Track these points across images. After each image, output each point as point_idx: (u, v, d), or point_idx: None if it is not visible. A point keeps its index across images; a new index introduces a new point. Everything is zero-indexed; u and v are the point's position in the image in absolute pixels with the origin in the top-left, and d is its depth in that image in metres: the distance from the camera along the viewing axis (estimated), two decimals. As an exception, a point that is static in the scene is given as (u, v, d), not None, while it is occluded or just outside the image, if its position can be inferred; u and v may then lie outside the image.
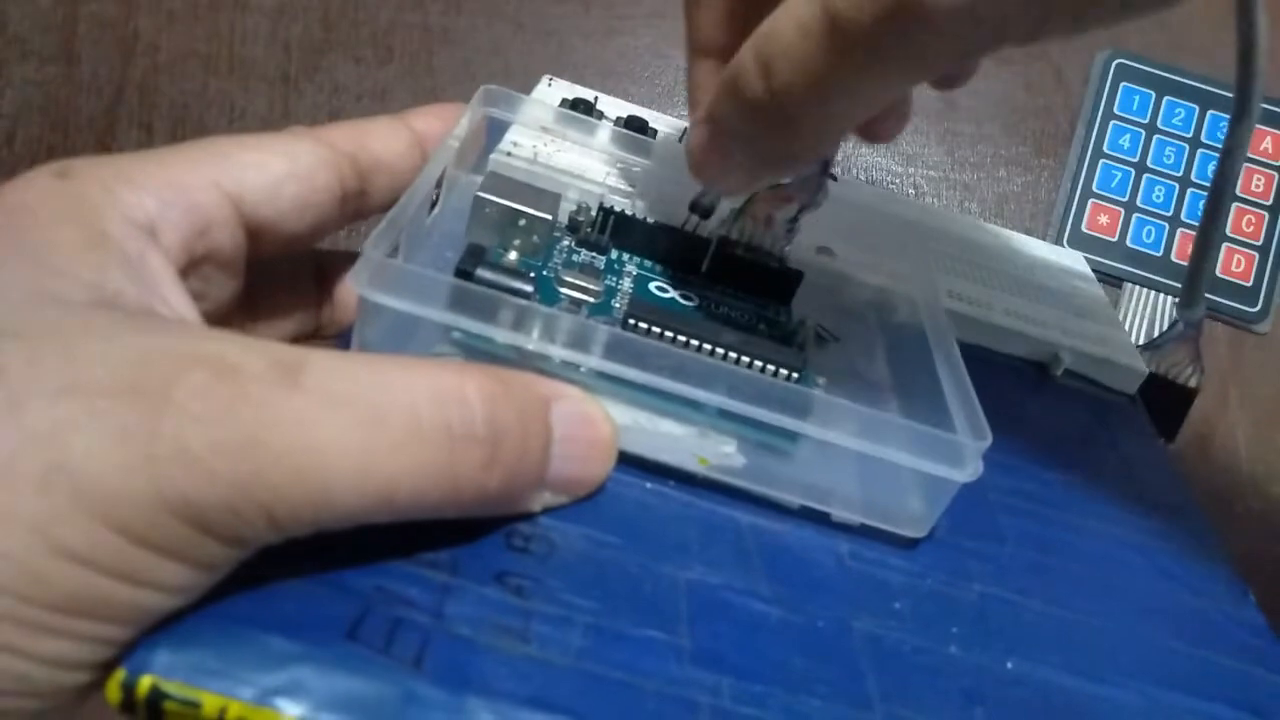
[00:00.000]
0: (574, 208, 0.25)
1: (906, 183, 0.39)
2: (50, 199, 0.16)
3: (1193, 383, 0.32)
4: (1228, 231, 0.38)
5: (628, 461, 0.20)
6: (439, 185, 0.24)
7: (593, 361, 0.19)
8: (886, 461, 0.20)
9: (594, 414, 0.18)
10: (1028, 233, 0.38)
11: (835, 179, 0.34)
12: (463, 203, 0.24)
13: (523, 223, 0.23)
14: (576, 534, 0.18)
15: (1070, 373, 0.30)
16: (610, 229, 0.25)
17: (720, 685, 0.16)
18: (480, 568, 0.17)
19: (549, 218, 0.23)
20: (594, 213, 0.25)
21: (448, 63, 0.40)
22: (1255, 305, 0.38)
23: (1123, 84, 0.39)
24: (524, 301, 0.19)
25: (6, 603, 0.12)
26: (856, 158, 0.39)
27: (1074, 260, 0.35)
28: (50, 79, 0.38)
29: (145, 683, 0.14)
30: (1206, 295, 0.38)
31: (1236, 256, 0.38)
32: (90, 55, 0.39)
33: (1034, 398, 0.28)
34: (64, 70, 0.38)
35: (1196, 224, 0.38)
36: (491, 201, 0.23)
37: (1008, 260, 0.33)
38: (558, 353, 0.19)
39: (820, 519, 0.21)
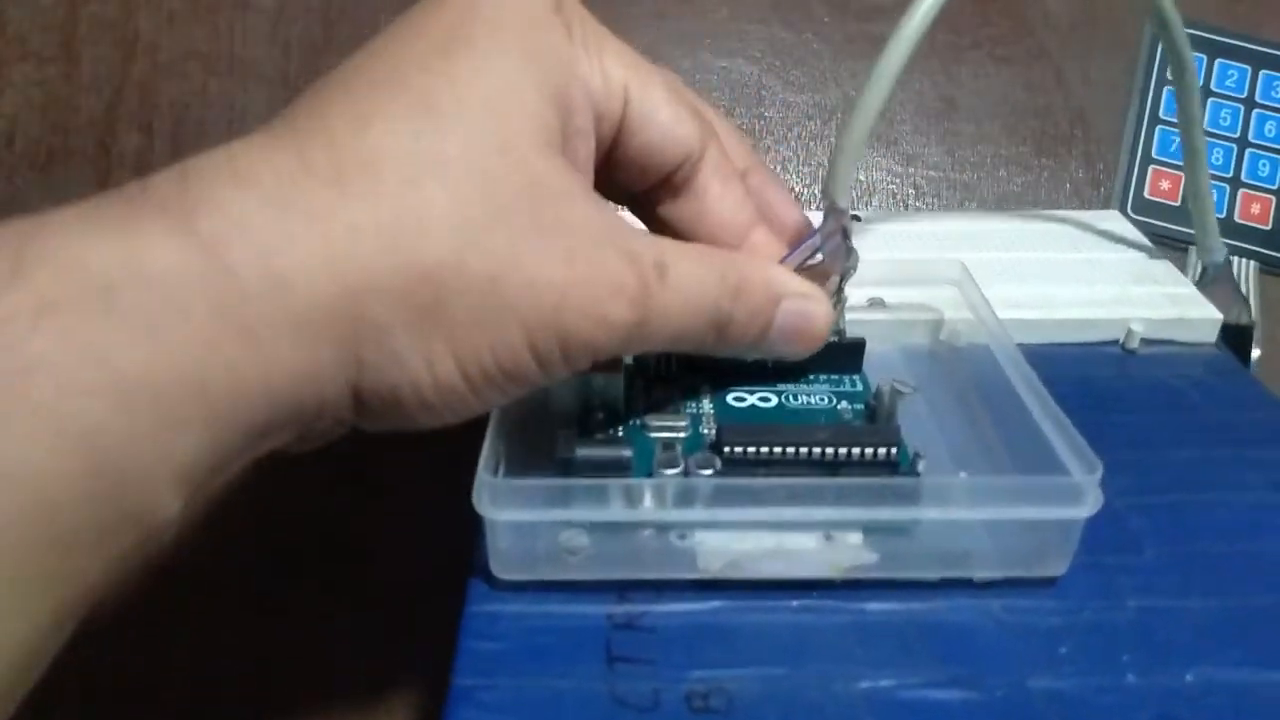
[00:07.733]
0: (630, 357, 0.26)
1: (906, 183, 0.39)
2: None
3: (1244, 319, 0.32)
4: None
5: (768, 586, 0.21)
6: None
7: (701, 515, 0.21)
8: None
9: (812, 311, 0.22)
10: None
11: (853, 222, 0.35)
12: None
13: (597, 384, 0.24)
14: (748, 677, 0.19)
15: (1148, 341, 0.30)
16: (674, 360, 0.26)
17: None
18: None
19: (617, 373, 0.24)
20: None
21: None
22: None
23: (1174, 50, 0.38)
24: (626, 481, 0.20)
25: None
26: (856, 158, 0.39)
27: (1114, 223, 0.35)
28: (50, 79, 0.38)
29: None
30: (1274, 253, 0.38)
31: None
32: (90, 55, 0.38)
33: (1121, 379, 0.29)
34: (64, 70, 0.38)
35: (1257, 184, 0.38)
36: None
37: (1050, 246, 0.33)
38: (671, 516, 0.21)
39: (963, 585, 0.21)
